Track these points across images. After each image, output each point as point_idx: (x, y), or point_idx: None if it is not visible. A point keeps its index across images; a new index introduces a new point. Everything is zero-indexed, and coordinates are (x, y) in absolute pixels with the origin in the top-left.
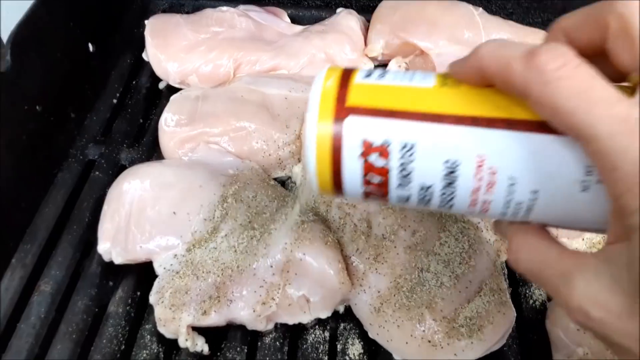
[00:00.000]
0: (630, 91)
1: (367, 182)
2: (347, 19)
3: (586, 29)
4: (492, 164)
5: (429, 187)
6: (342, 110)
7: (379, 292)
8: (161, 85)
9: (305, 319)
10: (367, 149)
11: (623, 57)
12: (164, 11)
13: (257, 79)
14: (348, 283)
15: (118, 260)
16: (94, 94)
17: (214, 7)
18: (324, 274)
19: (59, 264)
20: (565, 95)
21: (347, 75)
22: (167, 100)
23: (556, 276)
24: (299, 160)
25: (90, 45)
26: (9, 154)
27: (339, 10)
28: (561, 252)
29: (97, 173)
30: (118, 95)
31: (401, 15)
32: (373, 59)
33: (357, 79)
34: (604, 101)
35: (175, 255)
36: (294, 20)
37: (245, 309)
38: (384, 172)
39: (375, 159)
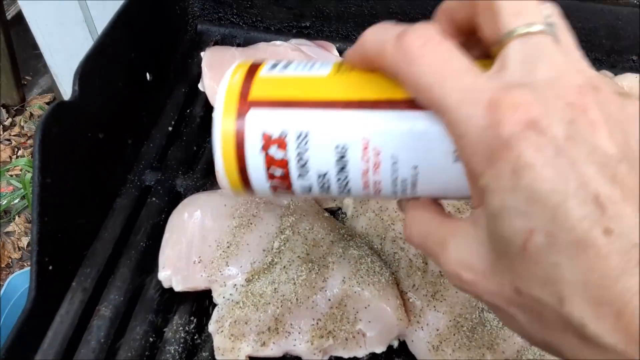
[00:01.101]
0: (491, 64)
1: (271, 176)
2: None
3: (462, 8)
4: (376, 144)
5: (325, 174)
6: (245, 104)
7: (437, 330)
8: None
9: (361, 353)
10: (267, 142)
11: (487, 31)
12: (217, 43)
13: None
14: (405, 320)
15: (178, 287)
16: (150, 122)
17: (266, 40)
18: (381, 309)
19: (118, 289)
20: (424, 71)
21: (253, 69)
22: None
23: (436, 244)
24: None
25: (147, 75)
26: (72, 179)
27: None
28: (441, 221)
29: (153, 199)
30: (173, 123)
31: None
32: None
33: (262, 72)
34: (454, 73)
35: (235, 285)
36: (343, 53)
37: (303, 342)
38: (284, 163)
39: (275, 152)
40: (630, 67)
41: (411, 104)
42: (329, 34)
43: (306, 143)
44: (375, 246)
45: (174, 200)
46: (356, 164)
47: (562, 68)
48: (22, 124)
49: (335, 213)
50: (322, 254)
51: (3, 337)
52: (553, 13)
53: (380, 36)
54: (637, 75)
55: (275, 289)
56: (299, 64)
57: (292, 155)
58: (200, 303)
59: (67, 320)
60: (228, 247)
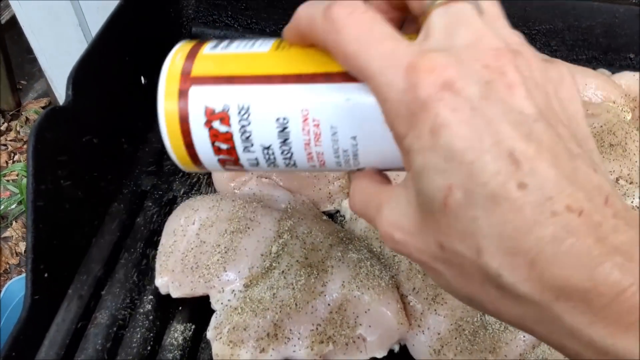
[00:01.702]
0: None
1: (217, 150)
2: None
3: None
4: (315, 116)
5: (269, 147)
6: (187, 81)
7: (438, 334)
8: None
9: (361, 357)
10: (210, 117)
11: (414, 4)
12: None
13: None
14: (406, 324)
15: (175, 294)
16: (146, 126)
17: None
18: (381, 314)
19: (114, 295)
20: (349, 40)
21: (196, 48)
22: None
23: (373, 209)
24: (348, 194)
25: (142, 78)
26: (67, 185)
27: None
28: (379, 187)
29: (149, 204)
30: None
31: None
32: None
33: (204, 50)
34: (377, 41)
35: (233, 291)
36: None
37: (302, 348)
38: (229, 137)
39: (218, 126)
40: (628, 65)
41: (346, 76)
42: None
43: (248, 116)
44: (375, 249)
45: (170, 205)
46: (298, 136)
47: (481, 33)
48: (18, 128)
49: (333, 216)
50: (321, 258)
51: (1, 344)
52: None
53: (311, 10)
54: (635, 73)
55: (274, 294)
56: (240, 42)
57: (235, 129)
58: (198, 309)
59: (64, 328)
60: (226, 252)
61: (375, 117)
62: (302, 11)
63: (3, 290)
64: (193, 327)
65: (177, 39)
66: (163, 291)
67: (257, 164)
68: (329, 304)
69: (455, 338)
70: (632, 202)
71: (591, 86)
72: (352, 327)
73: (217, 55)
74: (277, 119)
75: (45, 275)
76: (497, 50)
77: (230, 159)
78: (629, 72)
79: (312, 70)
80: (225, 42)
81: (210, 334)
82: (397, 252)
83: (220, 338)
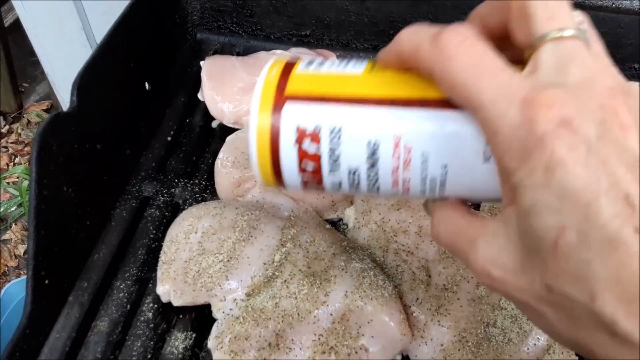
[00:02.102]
0: (523, 69)
1: (303, 170)
2: None
3: (495, 13)
4: (407, 141)
5: (355, 171)
6: (281, 99)
7: (441, 345)
8: (214, 124)
9: None
10: (301, 135)
11: (520, 35)
12: (216, 51)
13: None
14: (409, 335)
15: (177, 302)
16: (149, 132)
17: (266, 49)
18: (384, 324)
19: (115, 303)
20: (459, 68)
21: (289, 66)
22: (220, 138)
23: (465, 243)
24: (352, 203)
25: (146, 84)
26: (70, 191)
27: None
28: (470, 220)
29: (152, 210)
30: (172, 133)
31: None
32: None
33: (298, 69)
34: (489, 72)
35: (235, 300)
36: None
37: (305, 358)
38: (317, 158)
39: (308, 146)
40: (633, 75)
41: (443, 103)
42: (329, 43)
43: (339, 138)
44: (378, 259)
45: (173, 211)
46: (387, 161)
47: (594, 71)
48: (19, 131)
49: (336, 224)
50: (324, 267)
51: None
52: (584, 20)
53: (416, 35)
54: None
55: (276, 303)
56: (333, 62)
57: (324, 150)
58: (199, 318)
59: (64, 335)
60: (228, 260)
61: (471, 148)
62: (405, 36)
63: (2, 292)
64: (194, 335)
65: (181, 45)
66: (164, 299)
67: (340, 186)
68: (331, 314)
69: (459, 350)
70: None
71: None
72: (354, 337)
73: (310, 74)
74: (369, 143)
75: (46, 282)
76: (611, 89)
77: (313, 179)
78: (634, 82)
79: (408, 94)
80: (317, 61)
81: (211, 343)
82: (494, 290)
83: (222, 347)
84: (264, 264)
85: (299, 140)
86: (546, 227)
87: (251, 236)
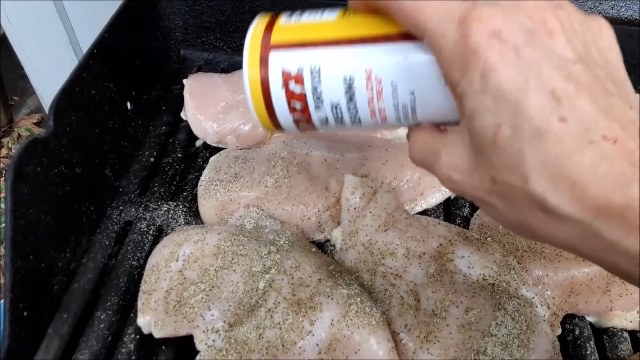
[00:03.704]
0: None
1: (292, 109)
2: None
3: None
4: (377, 74)
5: (337, 105)
6: (267, 48)
7: None
8: (198, 143)
9: None
10: (287, 78)
11: None
12: (200, 68)
13: (294, 140)
14: None
15: (158, 334)
16: (131, 153)
17: None
18: (372, 354)
19: (95, 335)
20: (407, 1)
21: (273, 19)
22: (204, 158)
23: (432, 155)
24: (339, 224)
25: (128, 104)
26: (48, 219)
27: None
28: (437, 136)
29: (134, 235)
30: (155, 153)
31: None
32: None
33: (281, 21)
34: (433, 2)
35: (218, 330)
36: None
37: None
38: (302, 97)
39: (294, 87)
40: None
41: (404, 36)
42: None
43: (319, 76)
44: (366, 282)
45: (156, 236)
46: (362, 93)
47: None
48: (10, 145)
49: (323, 245)
50: (310, 294)
51: None
52: None
53: None
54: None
55: (260, 334)
56: (310, 12)
57: (308, 88)
58: (182, 349)
59: None
60: (210, 290)
61: (431, 73)
62: None
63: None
64: None
65: (165, 63)
66: (145, 331)
67: (327, 121)
68: (317, 344)
69: None
70: None
71: None
72: None
73: (291, 25)
74: (344, 78)
75: (25, 313)
76: (540, 3)
77: (303, 117)
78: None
79: (374, 32)
80: (297, 13)
81: None
82: (455, 193)
83: None
84: (248, 292)
85: (286, 83)
86: (485, 127)
87: (234, 263)
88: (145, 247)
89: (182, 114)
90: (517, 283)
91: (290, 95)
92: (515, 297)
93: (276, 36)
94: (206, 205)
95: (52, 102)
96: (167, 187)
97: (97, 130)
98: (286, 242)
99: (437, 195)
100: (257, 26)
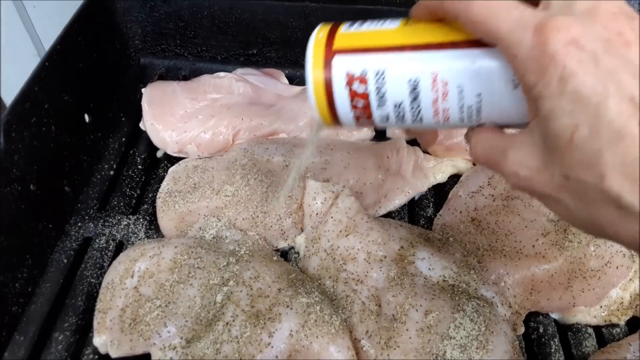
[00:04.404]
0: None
1: (354, 107)
2: None
3: None
4: (444, 77)
5: (400, 104)
6: (330, 53)
7: None
8: (159, 154)
9: None
10: (350, 79)
11: None
12: (161, 76)
13: (255, 146)
14: None
15: (115, 354)
16: (90, 166)
17: (211, 71)
18: None
19: (53, 357)
20: (478, 10)
21: (334, 28)
22: (166, 168)
23: (498, 154)
24: (302, 230)
25: (86, 116)
26: (2, 239)
27: None
28: (502, 136)
29: (93, 252)
30: (115, 166)
31: None
32: None
33: (342, 29)
34: (505, 8)
35: (175, 347)
36: (292, 80)
37: None
38: (365, 96)
39: (357, 86)
40: None
41: (470, 43)
42: (278, 60)
43: (383, 79)
44: (328, 289)
45: (116, 252)
46: (427, 94)
47: (598, 1)
48: None
49: (288, 253)
50: (269, 305)
51: None
52: None
53: None
54: None
55: (217, 349)
56: (372, 22)
57: (371, 89)
58: None
59: None
60: (166, 305)
61: (499, 77)
62: None
63: None
64: None
65: (125, 72)
66: (102, 351)
67: (388, 118)
68: (276, 356)
69: None
70: None
71: None
72: None
73: (353, 33)
74: (409, 80)
75: None
76: (614, 14)
77: (364, 114)
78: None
79: (440, 39)
80: (358, 22)
81: None
82: (519, 189)
83: None
84: (205, 306)
85: (349, 83)
86: (562, 127)
87: (190, 276)
88: (104, 264)
89: (141, 125)
90: (476, 283)
91: (353, 94)
92: (475, 297)
93: (340, 42)
94: (165, 218)
95: (2, 119)
96: (127, 200)
97: (53, 145)
98: (247, 252)
99: (401, 196)
100: (318, 34)
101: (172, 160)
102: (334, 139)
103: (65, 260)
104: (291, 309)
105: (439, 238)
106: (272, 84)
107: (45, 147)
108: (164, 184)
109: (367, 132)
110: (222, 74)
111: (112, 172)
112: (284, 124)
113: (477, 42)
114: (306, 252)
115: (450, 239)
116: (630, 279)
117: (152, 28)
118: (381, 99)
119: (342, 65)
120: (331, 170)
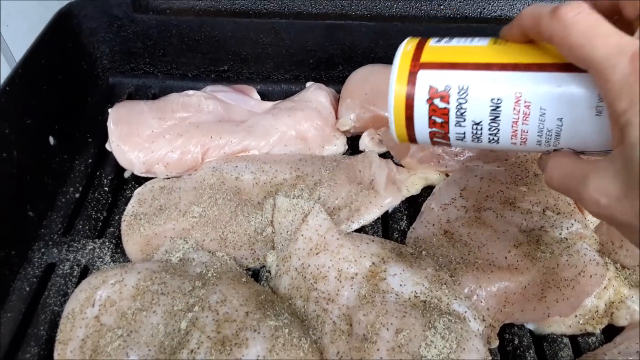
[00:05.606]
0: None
1: (432, 123)
2: (317, 94)
3: None
4: (527, 98)
5: (479, 123)
6: (417, 65)
7: None
8: (126, 175)
9: None
10: (433, 95)
11: (630, 9)
12: (130, 95)
13: (224, 165)
14: None
15: None
16: (55, 190)
17: (181, 88)
18: None
19: None
20: (576, 33)
21: (423, 41)
22: (133, 189)
23: (577, 180)
24: (273, 248)
25: (51, 139)
26: None
27: (308, 84)
28: (581, 162)
29: (57, 279)
30: (80, 188)
31: (370, 88)
32: (345, 132)
33: (430, 43)
34: (603, 34)
35: None
36: (264, 96)
37: None
38: (445, 112)
39: (438, 102)
40: None
41: (560, 67)
42: (249, 76)
43: (466, 96)
44: (299, 310)
45: (80, 278)
46: (508, 115)
47: None
48: None
49: (259, 272)
50: (235, 330)
51: None
52: None
53: (537, 11)
54: None
55: None
56: (460, 38)
57: (453, 106)
58: None
59: None
60: (128, 335)
61: (584, 103)
62: (527, 12)
63: None
64: None
65: (92, 92)
66: None
67: (464, 138)
68: None
69: None
70: (559, 233)
71: None
72: None
73: (441, 47)
74: (492, 99)
75: None
76: None
77: (440, 131)
78: None
79: (528, 60)
80: (447, 38)
81: None
82: (599, 217)
83: None
84: (169, 333)
85: (431, 98)
86: None
87: (154, 303)
88: (68, 291)
89: (107, 145)
90: (448, 298)
91: (433, 110)
92: (447, 313)
93: (427, 56)
94: (130, 242)
95: None
96: (93, 224)
97: (15, 171)
98: (214, 274)
99: (374, 210)
100: (407, 46)
101: (140, 180)
102: (306, 154)
103: (27, 288)
104: (259, 333)
105: (412, 252)
106: (243, 100)
107: (7, 172)
108: (129, 206)
109: (339, 146)
110: (190, 92)
111: (77, 195)
112: (255, 141)
113: (564, 66)
114: (277, 270)
115: (423, 252)
116: (605, 287)
117: (120, 47)
118: (461, 116)
119: (427, 79)
120: (302, 186)
